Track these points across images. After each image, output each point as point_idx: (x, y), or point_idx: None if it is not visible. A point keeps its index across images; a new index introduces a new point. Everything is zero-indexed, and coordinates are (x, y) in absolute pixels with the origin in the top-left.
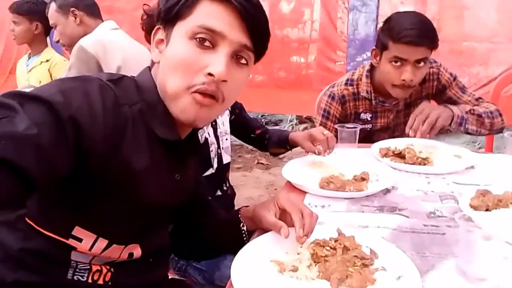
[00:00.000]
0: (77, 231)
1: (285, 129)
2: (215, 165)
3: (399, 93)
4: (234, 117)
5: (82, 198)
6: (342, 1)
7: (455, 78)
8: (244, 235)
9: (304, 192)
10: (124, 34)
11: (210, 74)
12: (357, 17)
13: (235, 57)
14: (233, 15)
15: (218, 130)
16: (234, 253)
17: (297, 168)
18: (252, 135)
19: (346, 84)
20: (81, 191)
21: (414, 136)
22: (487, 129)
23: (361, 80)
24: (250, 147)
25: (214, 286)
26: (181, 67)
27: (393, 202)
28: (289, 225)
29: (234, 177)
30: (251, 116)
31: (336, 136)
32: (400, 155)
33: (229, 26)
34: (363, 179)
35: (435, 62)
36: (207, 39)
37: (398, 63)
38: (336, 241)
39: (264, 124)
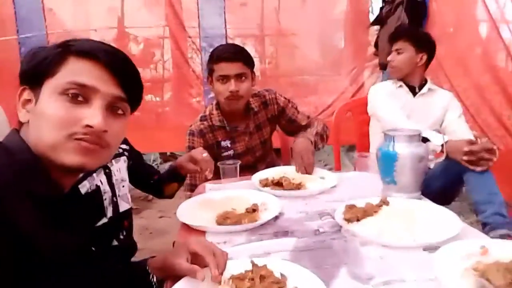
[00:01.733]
0: None
1: None
2: (109, 214)
3: (231, 104)
4: (132, 163)
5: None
6: (191, 42)
7: (289, 101)
8: (154, 287)
9: (203, 232)
10: None
11: (88, 126)
12: (207, 57)
13: (111, 108)
14: (103, 70)
15: (114, 178)
16: None
17: (190, 210)
18: (151, 181)
19: (201, 120)
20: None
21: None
22: (325, 142)
23: (212, 114)
24: None
25: None
26: (57, 122)
27: (284, 227)
28: (202, 267)
29: None
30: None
31: (219, 173)
32: (278, 184)
33: (101, 80)
34: (254, 210)
35: (270, 90)
36: (80, 94)
37: (224, 80)
38: (252, 272)
39: None
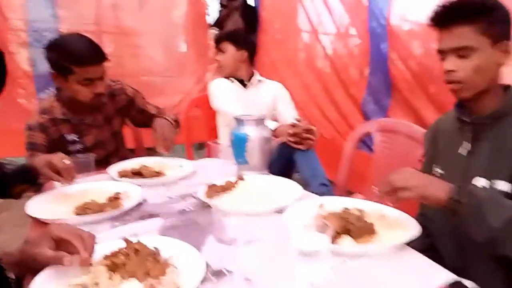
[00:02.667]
0: None
1: None
2: None
3: (94, 102)
4: None
5: None
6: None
7: (138, 91)
8: (12, 283)
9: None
10: None
11: None
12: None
13: None
14: None
15: None
16: None
17: (43, 204)
18: None
19: (40, 113)
20: None
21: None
22: (179, 128)
23: (53, 106)
24: None
25: None
26: None
27: (149, 211)
28: (69, 253)
29: None
30: None
31: None
32: (138, 173)
33: None
34: (116, 198)
35: (117, 80)
36: None
37: (88, 82)
38: (125, 248)
39: None
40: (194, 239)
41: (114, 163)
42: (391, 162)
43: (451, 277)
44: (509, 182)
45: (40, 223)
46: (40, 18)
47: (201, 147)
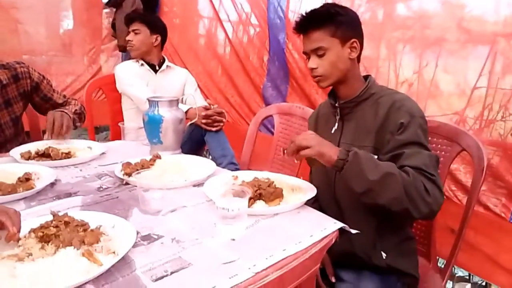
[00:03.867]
0: None
1: None
2: None
3: None
4: None
5: None
6: None
7: (44, 77)
8: None
9: None
10: None
11: None
12: None
13: None
14: None
15: None
16: None
17: None
18: None
19: None
20: None
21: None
22: (83, 121)
23: None
24: None
25: None
26: None
27: (65, 190)
28: None
29: None
30: None
31: None
32: (45, 155)
33: None
34: (27, 179)
35: (23, 63)
36: None
37: None
38: (54, 221)
39: None
40: (119, 213)
41: (12, 149)
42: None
43: (338, 225)
44: (373, 154)
45: None
46: None
47: (100, 131)
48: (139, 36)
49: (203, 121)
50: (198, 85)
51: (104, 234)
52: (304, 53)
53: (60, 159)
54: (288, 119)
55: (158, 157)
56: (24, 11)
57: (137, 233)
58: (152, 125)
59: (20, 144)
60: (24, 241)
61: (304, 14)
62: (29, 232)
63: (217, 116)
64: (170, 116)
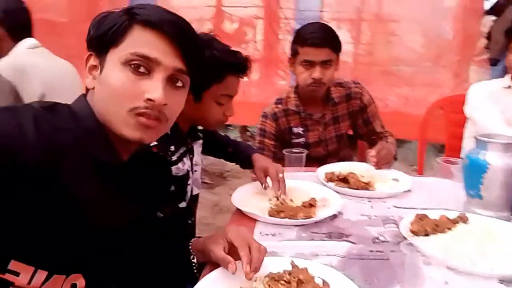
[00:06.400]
0: (14, 265)
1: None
2: (188, 198)
3: (311, 91)
4: (204, 141)
5: (19, 229)
6: (284, 24)
7: (373, 101)
8: (194, 268)
9: (253, 221)
10: (46, 52)
11: (150, 100)
12: None
13: (171, 80)
14: (166, 41)
15: (192, 162)
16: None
17: (246, 195)
18: (224, 155)
19: (276, 103)
20: (17, 222)
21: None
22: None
23: (289, 97)
24: None
25: None
26: (119, 93)
27: (340, 228)
28: (238, 258)
29: None
30: (222, 135)
31: (284, 161)
32: (344, 180)
33: (163, 53)
34: (311, 205)
35: (358, 83)
36: (142, 66)
37: (308, 65)
38: (290, 274)
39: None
40: (376, 284)
41: (331, 163)
42: None
43: None
44: None
45: (240, 213)
46: (308, 6)
47: (443, 149)
48: None
49: None
50: None
51: None
52: None
53: (357, 188)
54: None
55: (464, 219)
56: (403, 24)
57: None
58: (472, 172)
59: (340, 160)
60: (256, 282)
61: None
62: (265, 276)
63: None
64: (500, 165)
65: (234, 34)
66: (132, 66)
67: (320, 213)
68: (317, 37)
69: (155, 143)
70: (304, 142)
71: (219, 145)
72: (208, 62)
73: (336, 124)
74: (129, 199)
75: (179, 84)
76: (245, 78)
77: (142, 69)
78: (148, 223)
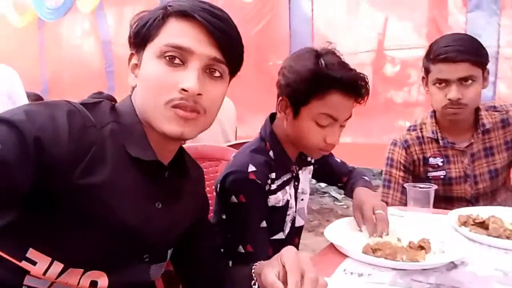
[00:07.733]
0: (32, 253)
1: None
2: (287, 230)
3: (450, 115)
4: (317, 167)
5: (42, 219)
6: None
7: None
8: None
9: (344, 256)
10: None
11: (183, 90)
12: None
13: (208, 71)
14: (199, 30)
15: (298, 190)
16: None
17: (342, 228)
18: (339, 185)
19: (408, 130)
20: (41, 212)
21: None
22: None
23: (425, 124)
24: None
25: None
26: (155, 86)
27: (457, 281)
28: None
29: None
30: (338, 161)
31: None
32: (482, 225)
33: (196, 41)
34: (421, 247)
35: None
36: (177, 57)
37: (442, 84)
38: None
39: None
40: None
41: (473, 205)
42: None
43: None
44: None
45: (331, 246)
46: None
47: None
48: None
49: None
50: None
51: None
52: None
53: (497, 236)
54: None
55: None
56: None
57: None
58: None
59: (488, 203)
60: None
61: None
62: None
63: None
64: None
65: (395, 76)
66: (167, 58)
67: (432, 258)
68: (452, 50)
69: (253, 168)
70: (444, 176)
71: (333, 173)
72: (310, 74)
73: (488, 157)
74: (167, 204)
75: (217, 74)
76: (407, 123)
77: (177, 61)
78: (192, 235)
